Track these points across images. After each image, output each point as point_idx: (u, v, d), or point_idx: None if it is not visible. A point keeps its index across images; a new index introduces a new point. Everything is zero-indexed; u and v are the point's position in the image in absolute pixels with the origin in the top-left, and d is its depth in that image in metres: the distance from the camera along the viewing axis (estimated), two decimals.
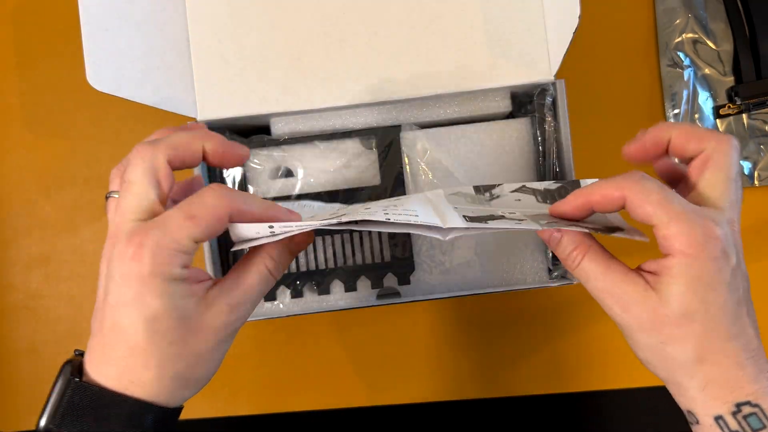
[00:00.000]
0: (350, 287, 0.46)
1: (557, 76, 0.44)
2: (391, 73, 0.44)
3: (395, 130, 0.45)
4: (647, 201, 0.29)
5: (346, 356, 0.54)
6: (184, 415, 0.56)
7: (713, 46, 0.53)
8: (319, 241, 0.45)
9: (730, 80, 0.53)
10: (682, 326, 0.28)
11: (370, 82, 0.44)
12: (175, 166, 0.30)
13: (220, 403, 0.54)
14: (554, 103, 0.45)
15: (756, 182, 0.52)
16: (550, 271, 0.46)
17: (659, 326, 0.29)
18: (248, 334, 0.54)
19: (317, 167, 0.46)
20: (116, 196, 0.31)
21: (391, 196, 0.45)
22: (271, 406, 0.54)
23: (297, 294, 0.46)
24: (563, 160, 0.44)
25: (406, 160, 0.46)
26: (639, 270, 0.30)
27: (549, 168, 0.45)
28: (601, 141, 0.54)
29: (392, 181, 0.45)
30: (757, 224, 0.53)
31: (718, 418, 0.29)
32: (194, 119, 0.44)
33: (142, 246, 0.27)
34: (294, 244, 0.33)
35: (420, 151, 0.46)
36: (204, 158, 0.31)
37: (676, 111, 0.53)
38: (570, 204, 0.32)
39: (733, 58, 0.52)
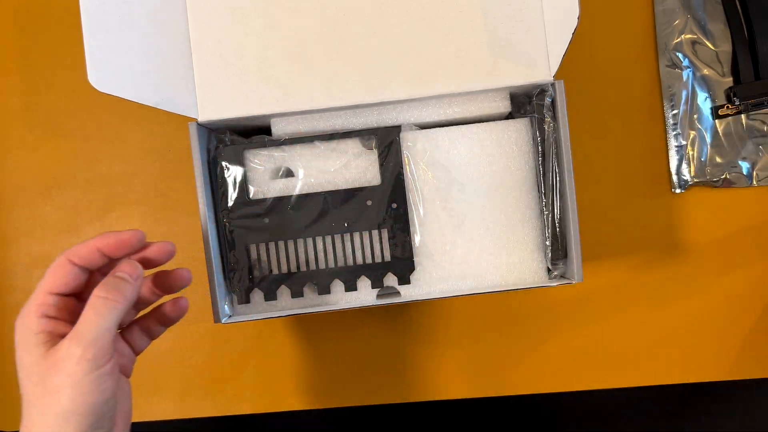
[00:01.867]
0: (350, 287, 0.46)
1: (556, 76, 0.44)
2: (391, 73, 0.44)
3: (395, 130, 0.45)
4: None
5: (346, 356, 0.54)
6: (185, 415, 0.57)
7: (712, 47, 0.53)
8: (319, 241, 0.46)
9: (728, 81, 0.53)
10: None
11: (370, 83, 0.44)
12: (77, 263, 0.36)
13: (221, 402, 0.54)
14: (553, 103, 0.45)
15: (754, 182, 0.52)
16: (549, 271, 0.47)
17: None
18: (249, 334, 0.54)
19: (317, 167, 0.46)
20: None
21: (391, 196, 0.45)
22: (271, 405, 0.54)
23: (297, 294, 0.46)
24: (562, 160, 0.44)
25: (407, 161, 0.46)
26: None
27: (548, 168, 0.45)
28: (600, 141, 0.54)
29: (392, 182, 0.45)
30: (756, 224, 0.53)
31: None
32: (195, 119, 0.44)
33: (16, 320, 0.36)
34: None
35: (420, 151, 0.46)
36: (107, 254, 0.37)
37: (675, 111, 0.53)
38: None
39: (731, 59, 0.53)
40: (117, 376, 0.35)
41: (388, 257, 0.46)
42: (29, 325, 0.34)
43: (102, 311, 0.34)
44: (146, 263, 0.38)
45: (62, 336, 0.34)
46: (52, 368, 0.33)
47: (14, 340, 0.35)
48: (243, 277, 0.45)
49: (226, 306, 0.45)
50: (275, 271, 0.46)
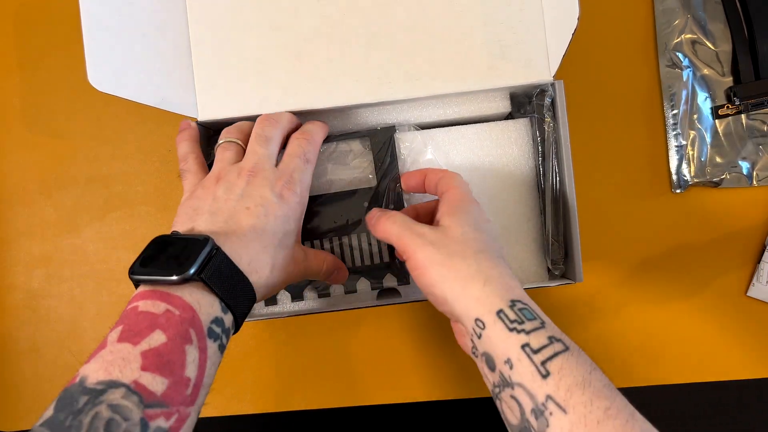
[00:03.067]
0: (350, 288, 0.46)
1: (556, 76, 0.44)
2: (390, 73, 0.44)
3: (389, 130, 0.45)
4: (434, 171, 0.42)
5: (346, 356, 0.54)
6: None
7: (712, 47, 0.53)
8: (317, 243, 0.46)
9: (728, 81, 0.53)
10: (462, 243, 0.36)
11: (369, 83, 0.44)
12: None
13: (222, 402, 0.54)
14: (553, 103, 0.45)
15: (754, 182, 0.52)
16: (549, 270, 0.47)
17: (446, 243, 0.36)
18: (249, 334, 0.54)
19: (316, 168, 0.46)
20: (236, 141, 0.41)
21: (387, 197, 0.45)
22: (271, 405, 0.54)
23: (297, 297, 0.46)
24: (562, 160, 0.44)
25: (404, 161, 0.46)
26: None
27: (548, 168, 0.45)
28: (600, 141, 0.54)
29: (388, 183, 0.45)
30: (756, 224, 0.53)
31: (499, 312, 0.33)
32: (195, 119, 0.44)
33: (292, 181, 0.40)
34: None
35: (419, 151, 0.46)
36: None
37: (675, 111, 0.53)
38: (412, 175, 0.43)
39: (731, 59, 0.53)
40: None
41: (386, 258, 0.46)
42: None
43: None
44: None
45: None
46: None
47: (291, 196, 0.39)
48: None
49: None
50: None
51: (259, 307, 0.47)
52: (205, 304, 0.33)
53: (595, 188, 0.53)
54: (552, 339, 0.32)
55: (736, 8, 0.52)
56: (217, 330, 0.33)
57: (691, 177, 0.52)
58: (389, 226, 0.38)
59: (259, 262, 0.36)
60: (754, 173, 0.52)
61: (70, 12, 0.55)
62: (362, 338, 0.54)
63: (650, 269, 0.53)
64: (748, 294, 0.53)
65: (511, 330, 0.32)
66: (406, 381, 0.54)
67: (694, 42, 0.53)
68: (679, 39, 0.53)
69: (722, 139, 0.53)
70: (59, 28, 0.55)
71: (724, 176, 0.52)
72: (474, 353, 0.35)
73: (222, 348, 0.34)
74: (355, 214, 0.45)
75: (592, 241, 0.52)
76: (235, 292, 0.35)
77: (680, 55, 0.53)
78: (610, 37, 0.54)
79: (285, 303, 0.47)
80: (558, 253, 0.46)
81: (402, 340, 0.54)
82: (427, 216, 0.43)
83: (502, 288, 0.34)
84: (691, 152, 0.53)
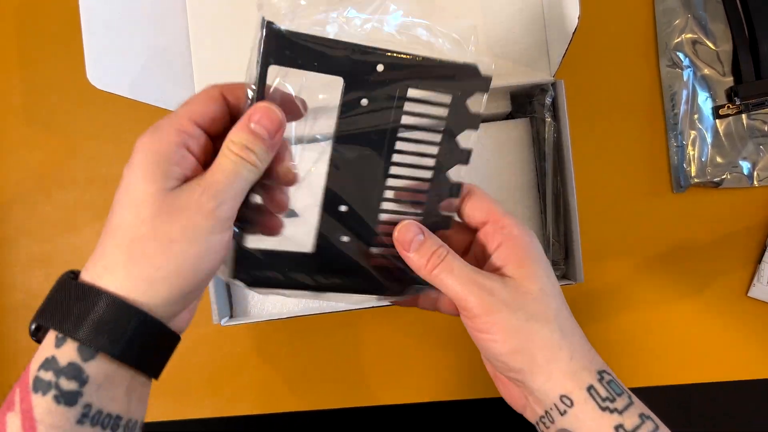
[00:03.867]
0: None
1: (557, 76, 0.44)
2: None
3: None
4: (487, 199, 0.33)
5: (346, 356, 0.54)
6: (185, 415, 0.57)
7: (713, 47, 0.53)
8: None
9: (729, 80, 0.53)
10: (541, 302, 0.31)
11: None
12: (230, 101, 0.31)
13: (222, 403, 0.54)
14: (554, 103, 0.45)
15: (755, 182, 0.52)
16: None
17: (523, 304, 0.30)
18: (249, 335, 0.54)
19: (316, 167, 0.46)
20: None
21: None
22: (271, 406, 0.54)
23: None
24: (563, 160, 0.44)
25: None
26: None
27: (548, 169, 0.45)
28: (601, 141, 0.54)
29: None
30: (757, 224, 0.53)
31: (590, 388, 0.30)
32: None
33: (142, 138, 0.28)
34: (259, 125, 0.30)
35: None
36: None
37: (676, 111, 0.53)
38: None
39: (732, 59, 0.52)
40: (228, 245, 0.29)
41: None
42: (164, 150, 0.28)
43: (239, 169, 0.28)
44: None
45: (189, 179, 0.28)
46: (173, 212, 0.27)
47: (131, 161, 0.28)
48: None
49: (225, 308, 0.45)
50: None
51: (258, 309, 0.47)
52: (42, 346, 0.26)
53: (596, 188, 0.53)
54: (643, 417, 0.29)
55: (737, 8, 0.52)
56: (47, 376, 0.26)
57: (691, 177, 0.52)
58: (448, 280, 0.31)
59: (107, 257, 0.27)
60: (755, 173, 0.52)
61: (69, 10, 0.55)
62: (362, 338, 0.54)
63: (651, 269, 0.53)
64: (748, 294, 0.53)
65: (603, 409, 0.29)
66: (406, 381, 0.54)
67: (694, 42, 0.53)
68: (679, 39, 0.53)
69: (723, 139, 0.52)
70: (59, 26, 0.55)
71: (724, 176, 0.52)
72: (543, 423, 0.31)
73: (67, 397, 0.26)
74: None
75: (592, 241, 0.52)
76: (67, 305, 0.26)
77: (681, 55, 0.53)
78: (611, 36, 0.54)
79: (285, 304, 0.47)
80: (559, 254, 0.45)
81: (402, 340, 0.54)
82: (463, 246, 0.35)
83: (587, 357, 0.31)
84: (691, 152, 0.52)
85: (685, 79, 0.53)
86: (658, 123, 0.54)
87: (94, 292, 0.26)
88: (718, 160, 0.52)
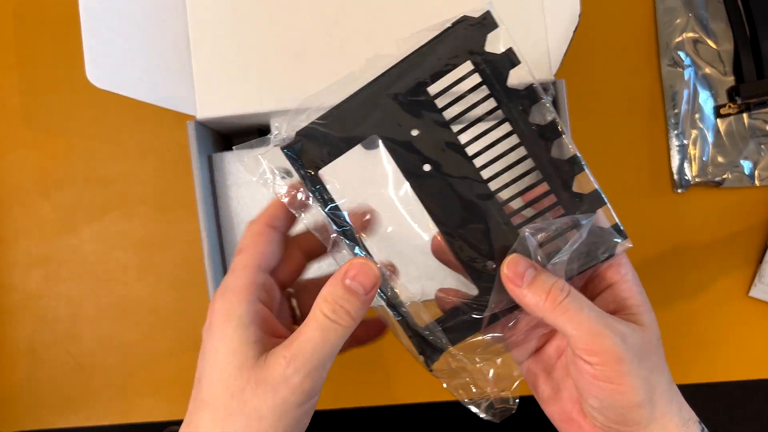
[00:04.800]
0: None
1: (557, 75, 0.44)
2: None
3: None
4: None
5: (345, 356, 0.54)
6: (183, 416, 0.56)
7: (714, 46, 0.53)
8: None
9: (730, 80, 0.52)
10: (659, 352, 0.30)
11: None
12: (276, 226, 0.31)
13: None
14: (554, 102, 0.45)
15: (756, 182, 0.52)
16: None
17: (648, 352, 0.29)
18: None
19: None
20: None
21: None
22: None
23: None
24: None
25: None
26: None
27: None
28: (601, 141, 0.54)
29: None
30: (758, 224, 0.53)
31: None
32: (193, 117, 0.44)
33: (215, 300, 0.29)
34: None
35: None
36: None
37: (676, 111, 0.53)
38: None
39: (733, 58, 0.52)
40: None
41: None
42: (239, 311, 0.28)
43: (329, 335, 0.27)
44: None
45: (270, 333, 0.28)
46: (260, 386, 0.27)
47: (211, 325, 0.28)
48: None
49: None
50: None
51: None
52: None
53: None
54: None
55: (738, 7, 0.52)
56: None
57: (692, 177, 0.52)
58: (576, 320, 0.27)
59: (198, 424, 0.28)
60: (756, 173, 0.52)
61: (68, 9, 0.55)
62: None
63: (651, 269, 0.53)
64: (750, 294, 0.52)
65: None
66: (405, 382, 0.54)
67: (695, 41, 0.53)
68: (680, 38, 0.53)
69: (724, 138, 0.52)
70: (58, 25, 0.55)
71: (726, 176, 0.52)
72: None
73: None
74: None
75: None
76: None
77: (682, 54, 0.53)
78: (612, 35, 0.54)
79: None
80: None
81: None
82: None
83: (686, 407, 0.30)
84: (692, 152, 0.52)
85: (686, 78, 0.53)
86: (659, 122, 0.53)
87: None
88: (720, 159, 0.52)
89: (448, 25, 0.29)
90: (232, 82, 0.44)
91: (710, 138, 0.52)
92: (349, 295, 0.28)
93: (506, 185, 0.30)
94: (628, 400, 0.28)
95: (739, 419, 0.54)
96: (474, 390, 0.32)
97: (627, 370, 0.28)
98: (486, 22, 0.29)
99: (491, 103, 0.29)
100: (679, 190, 0.53)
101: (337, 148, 0.30)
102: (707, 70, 0.53)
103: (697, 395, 0.53)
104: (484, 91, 0.30)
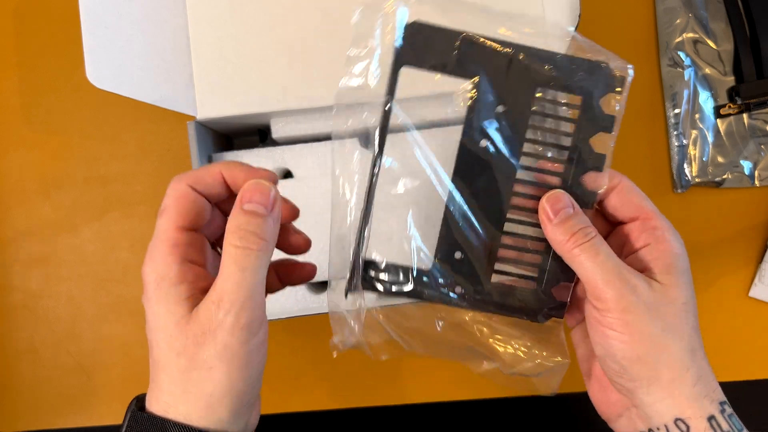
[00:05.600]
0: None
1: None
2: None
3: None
4: (639, 195, 0.31)
5: (345, 357, 0.54)
6: None
7: (714, 46, 0.53)
8: None
9: (730, 80, 0.52)
10: (682, 316, 0.29)
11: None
12: (200, 191, 0.30)
13: None
14: None
15: (756, 182, 0.52)
16: None
17: (664, 312, 0.28)
18: None
19: (316, 168, 0.45)
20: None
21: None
22: (271, 406, 0.54)
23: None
24: None
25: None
26: None
27: None
28: None
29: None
30: (758, 224, 0.53)
31: (711, 419, 0.28)
32: (194, 117, 0.44)
33: (144, 265, 0.29)
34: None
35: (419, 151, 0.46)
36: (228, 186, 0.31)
37: (677, 111, 0.53)
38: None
39: (733, 58, 0.52)
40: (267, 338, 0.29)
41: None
42: (166, 272, 0.28)
43: (245, 264, 0.27)
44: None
45: (203, 288, 0.28)
46: (200, 337, 0.27)
47: (145, 292, 0.28)
48: None
49: None
50: None
51: None
52: None
53: None
54: None
55: (738, 7, 0.52)
56: None
57: (692, 177, 0.52)
58: (589, 263, 0.29)
59: (160, 389, 0.28)
60: (756, 173, 0.52)
61: (68, 9, 0.55)
62: None
63: None
64: (750, 294, 0.52)
65: None
66: (405, 382, 0.54)
67: (695, 41, 0.53)
68: (680, 38, 0.53)
69: (724, 138, 0.52)
70: (58, 25, 0.55)
71: (726, 176, 0.52)
72: None
73: None
74: None
75: None
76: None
77: (682, 55, 0.53)
78: (612, 36, 0.54)
79: (284, 304, 0.46)
80: None
81: None
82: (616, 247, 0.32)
83: (711, 386, 0.29)
84: (692, 152, 0.52)
85: (686, 78, 0.53)
86: (659, 122, 0.53)
87: (170, 425, 0.27)
88: (720, 159, 0.52)
89: (595, 59, 0.31)
90: (232, 82, 0.44)
91: (710, 138, 0.52)
92: (251, 218, 0.28)
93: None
94: (628, 352, 0.28)
95: (741, 419, 0.54)
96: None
97: (631, 321, 0.28)
98: (619, 83, 0.31)
99: (565, 139, 0.32)
100: (679, 190, 0.53)
101: (439, 64, 0.31)
102: (707, 70, 0.53)
103: None
104: (570, 125, 0.32)
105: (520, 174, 0.32)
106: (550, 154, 0.31)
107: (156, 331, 0.28)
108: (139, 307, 0.55)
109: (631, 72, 0.31)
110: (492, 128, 0.32)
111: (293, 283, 0.35)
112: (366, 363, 0.54)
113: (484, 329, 0.34)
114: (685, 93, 0.53)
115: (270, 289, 0.34)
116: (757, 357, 0.53)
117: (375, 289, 0.33)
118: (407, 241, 0.33)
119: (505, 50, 0.31)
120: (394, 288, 0.32)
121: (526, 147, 0.32)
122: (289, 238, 0.33)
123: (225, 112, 0.44)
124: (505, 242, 0.32)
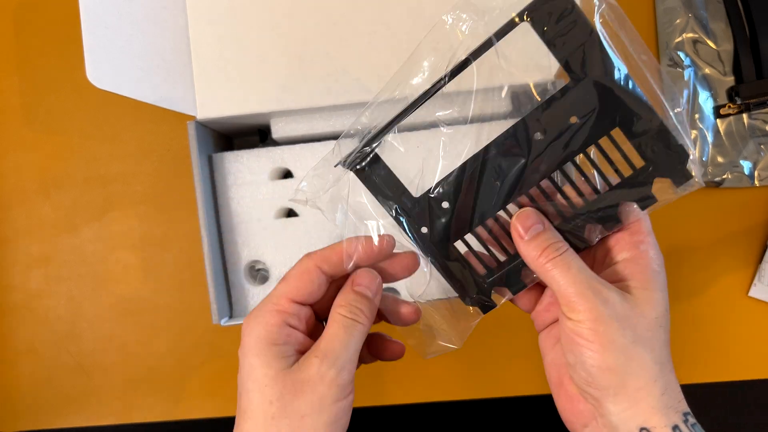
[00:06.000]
0: None
1: (557, 76, 0.44)
2: (390, 72, 0.44)
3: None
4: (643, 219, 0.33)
5: None
6: (185, 416, 0.56)
7: (713, 46, 0.53)
8: None
9: (730, 80, 0.52)
10: (654, 329, 0.30)
11: (369, 81, 0.44)
12: (325, 271, 0.32)
13: (222, 403, 0.54)
14: None
15: (756, 182, 0.52)
16: None
17: (635, 324, 0.29)
18: None
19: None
20: None
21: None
22: None
23: None
24: None
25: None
26: None
27: None
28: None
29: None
30: (758, 224, 0.53)
31: (675, 428, 0.29)
32: (194, 117, 0.44)
33: (247, 323, 0.31)
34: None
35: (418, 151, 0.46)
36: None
37: (677, 110, 0.53)
38: None
39: (733, 58, 0.52)
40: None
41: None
42: (269, 333, 0.30)
43: (351, 330, 0.31)
44: (383, 275, 0.34)
45: (300, 351, 0.31)
46: (298, 386, 0.29)
47: (243, 346, 0.31)
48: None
49: (225, 307, 0.45)
50: None
51: None
52: None
53: None
54: None
55: (738, 7, 0.52)
56: None
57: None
58: (561, 278, 0.30)
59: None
60: (756, 173, 0.52)
61: (68, 9, 0.55)
62: None
63: None
64: (750, 294, 0.52)
65: None
66: (404, 382, 0.54)
67: (695, 41, 0.53)
68: (680, 38, 0.53)
69: (724, 138, 0.52)
70: (58, 25, 0.55)
71: (725, 176, 0.52)
72: None
73: None
74: None
75: None
76: None
77: (682, 55, 0.53)
78: None
79: None
80: None
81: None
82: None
83: (677, 398, 0.30)
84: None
85: (686, 78, 0.53)
86: None
87: None
88: (719, 159, 0.52)
89: (679, 141, 0.33)
90: (232, 82, 0.44)
91: (710, 138, 0.52)
92: (359, 297, 0.32)
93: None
94: (598, 361, 0.29)
95: (738, 419, 0.54)
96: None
97: (603, 331, 0.29)
98: (682, 177, 0.33)
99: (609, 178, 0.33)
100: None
101: (561, 46, 0.33)
102: (707, 70, 0.53)
103: (697, 395, 0.53)
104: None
105: (554, 176, 0.32)
106: (597, 177, 0.32)
107: (249, 380, 0.30)
108: (139, 307, 0.55)
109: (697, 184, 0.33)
110: (554, 128, 0.32)
111: (383, 359, 0.37)
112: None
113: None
114: (685, 93, 0.53)
115: (363, 360, 0.36)
116: (757, 357, 0.53)
117: (364, 180, 0.33)
118: (417, 161, 0.34)
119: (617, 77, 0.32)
120: (379, 196, 0.33)
121: (578, 159, 0.32)
122: (389, 346, 0.36)
123: (225, 112, 0.44)
124: (489, 225, 0.33)
